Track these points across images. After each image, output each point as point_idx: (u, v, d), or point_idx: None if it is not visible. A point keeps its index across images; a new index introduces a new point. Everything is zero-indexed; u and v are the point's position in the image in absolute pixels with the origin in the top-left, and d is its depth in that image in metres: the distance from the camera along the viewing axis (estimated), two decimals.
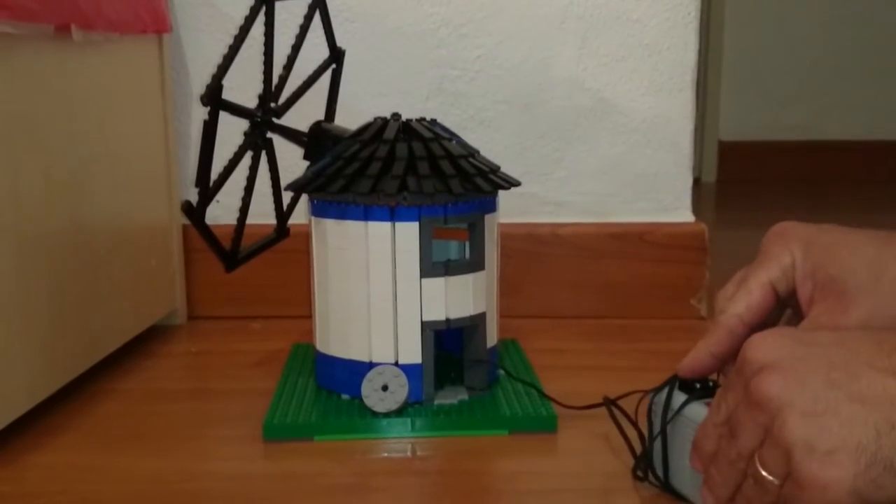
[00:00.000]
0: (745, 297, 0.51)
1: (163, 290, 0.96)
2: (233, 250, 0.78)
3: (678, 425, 0.54)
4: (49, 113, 0.71)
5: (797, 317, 0.51)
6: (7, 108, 0.65)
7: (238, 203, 0.78)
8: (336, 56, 0.86)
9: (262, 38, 0.74)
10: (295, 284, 0.96)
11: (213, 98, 0.70)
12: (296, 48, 0.80)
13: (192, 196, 0.74)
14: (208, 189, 0.73)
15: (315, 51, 0.84)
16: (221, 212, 0.86)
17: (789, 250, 0.50)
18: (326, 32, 0.84)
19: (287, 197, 0.84)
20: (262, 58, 0.75)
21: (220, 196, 0.84)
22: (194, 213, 0.73)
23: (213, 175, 0.74)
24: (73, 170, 0.75)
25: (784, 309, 0.52)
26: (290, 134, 0.80)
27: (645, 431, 0.58)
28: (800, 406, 0.40)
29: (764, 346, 0.43)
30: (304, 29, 0.81)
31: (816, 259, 0.49)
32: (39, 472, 0.63)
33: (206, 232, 0.75)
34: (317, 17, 0.82)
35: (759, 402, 0.41)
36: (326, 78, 0.87)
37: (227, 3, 0.99)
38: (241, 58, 0.72)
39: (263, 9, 0.72)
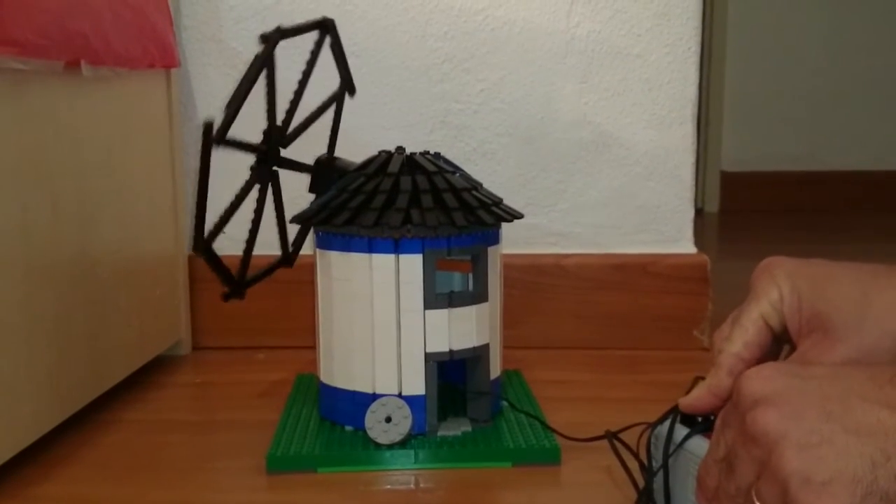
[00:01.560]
0: (741, 336, 0.51)
1: (168, 321, 0.96)
2: (239, 282, 0.79)
3: (680, 459, 0.54)
4: (58, 146, 0.72)
5: (794, 351, 0.51)
6: (17, 142, 0.66)
7: (244, 234, 0.78)
8: (349, 89, 0.87)
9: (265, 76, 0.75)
10: (299, 315, 0.97)
11: (220, 139, 0.71)
12: (303, 83, 0.81)
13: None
14: (205, 214, 0.73)
15: (321, 84, 0.85)
16: (228, 243, 0.87)
17: (776, 284, 0.51)
18: (339, 66, 0.85)
19: (294, 230, 0.84)
20: (265, 91, 0.76)
21: (228, 228, 0.85)
22: (201, 243, 0.73)
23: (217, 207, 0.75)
24: (81, 202, 0.76)
25: (781, 344, 0.53)
26: (296, 167, 0.81)
27: (647, 464, 0.58)
28: (795, 438, 0.40)
29: (759, 380, 0.43)
30: (310, 64, 0.82)
31: (802, 293, 0.49)
32: None
33: (213, 258, 0.75)
34: (326, 52, 0.83)
35: (755, 435, 0.42)
36: (331, 111, 0.88)
37: (235, 38, 1.00)
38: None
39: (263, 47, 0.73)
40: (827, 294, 0.48)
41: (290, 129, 0.80)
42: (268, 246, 0.84)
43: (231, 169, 0.74)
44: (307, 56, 0.82)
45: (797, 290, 0.50)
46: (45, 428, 0.70)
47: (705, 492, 0.48)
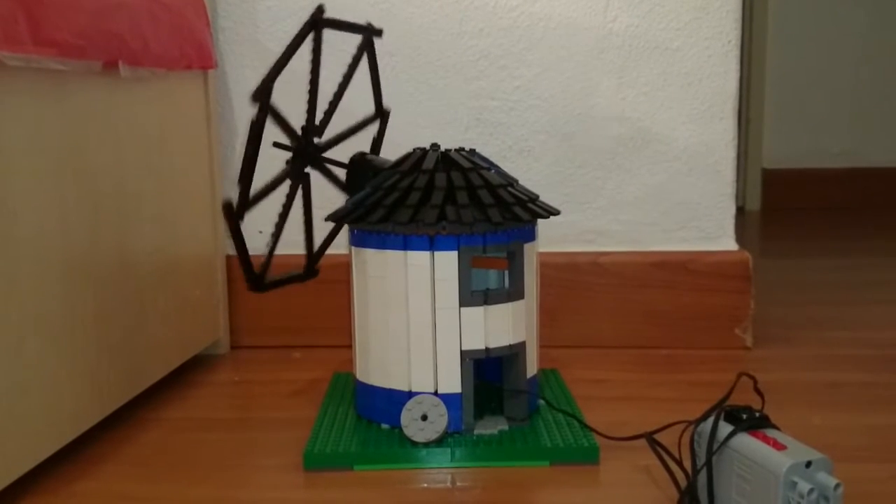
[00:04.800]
0: None
1: (206, 321, 0.97)
2: (260, 274, 0.78)
3: (724, 456, 0.53)
4: (97, 146, 0.73)
5: None
6: (57, 142, 0.67)
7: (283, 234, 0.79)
8: (381, 114, 0.88)
9: (307, 75, 0.75)
10: (335, 314, 0.97)
11: (263, 95, 0.70)
12: (342, 86, 0.81)
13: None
14: (251, 183, 0.72)
15: (362, 86, 0.85)
16: (257, 243, 0.87)
17: None
18: (374, 89, 0.85)
19: (321, 235, 0.84)
20: (308, 86, 0.76)
21: (263, 226, 0.85)
22: (233, 215, 0.73)
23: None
24: (120, 201, 0.76)
25: None
26: (332, 164, 0.81)
27: (688, 463, 0.56)
28: None
29: None
30: (351, 68, 0.82)
31: None
32: (84, 501, 0.64)
33: (239, 239, 0.74)
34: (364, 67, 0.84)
35: None
36: (367, 110, 0.88)
37: (271, 39, 1.01)
38: (287, 92, 0.73)
39: (311, 34, 0.73)
40: None
41: (326, 132, 0.80)
42: (299, 246, 0.84)
43: (269, 168, 0.74)
44: (348, 60, 0.82)
45: None
46: (85, 425, 0.70)
47: None
